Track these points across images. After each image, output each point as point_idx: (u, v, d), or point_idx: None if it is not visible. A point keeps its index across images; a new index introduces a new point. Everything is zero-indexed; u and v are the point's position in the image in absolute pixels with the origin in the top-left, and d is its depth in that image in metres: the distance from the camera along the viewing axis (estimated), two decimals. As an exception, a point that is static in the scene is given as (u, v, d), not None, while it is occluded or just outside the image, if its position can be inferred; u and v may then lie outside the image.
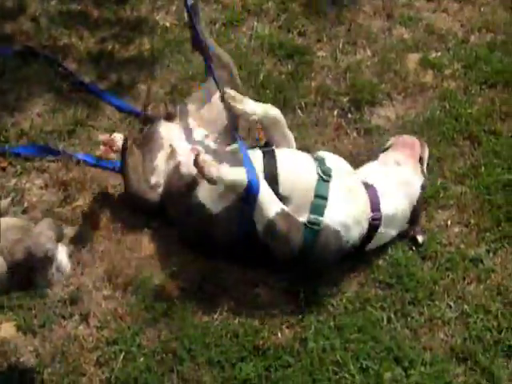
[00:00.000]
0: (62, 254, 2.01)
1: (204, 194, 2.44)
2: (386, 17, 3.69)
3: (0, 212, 2.06)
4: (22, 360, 2.28)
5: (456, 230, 2.70)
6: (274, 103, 3.01)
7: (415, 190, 2.57)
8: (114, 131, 2.90)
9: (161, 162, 2.62)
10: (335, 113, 3.15)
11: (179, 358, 2.29)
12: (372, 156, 2.74)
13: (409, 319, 2.41)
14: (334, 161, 2.50)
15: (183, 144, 2.64)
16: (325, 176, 2.39)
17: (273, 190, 2.35)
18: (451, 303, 2.46)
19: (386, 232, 2.50)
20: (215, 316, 2.41)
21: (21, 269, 1.92)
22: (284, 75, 3.32)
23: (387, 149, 2.70)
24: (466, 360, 2.30)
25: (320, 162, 2.45)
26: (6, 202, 2.20)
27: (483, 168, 2.88)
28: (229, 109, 2.55)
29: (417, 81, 3.32)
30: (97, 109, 3.10)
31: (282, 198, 2.35)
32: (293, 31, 3.59)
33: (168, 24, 3.54)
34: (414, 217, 2.58)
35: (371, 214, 2.43)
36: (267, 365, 2.26)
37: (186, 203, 2.47)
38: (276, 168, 2.40)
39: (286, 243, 2.32)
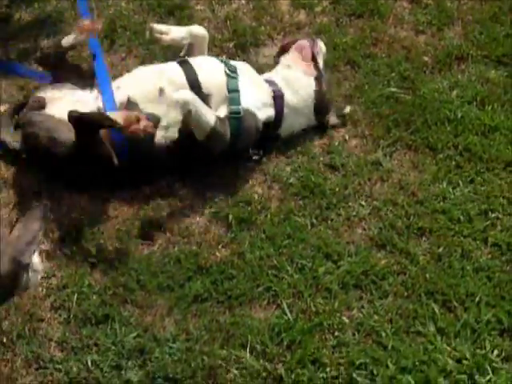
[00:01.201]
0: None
1: None
2: (254, -34, 3.89)
3: None
4: (-23, 319, 2.32)
5: (354, 142, 2.98)
6: (164, 56, 3.19)
7: (309, 86, 2.91)
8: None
9: None
10: (224, 57, 3.33)
11: (130, 289, 2.42)
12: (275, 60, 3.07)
13: (329, 222, 2.66)
14: (236, 62, 2.89)
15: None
16: (232, 73, 2.75)
17: (197, 91, 2.65)
18: (363, 202, 2.73)
19: (294, 118, 2.86)
20: (155, 248, 2.55)
21: (5, 280, 1.91)
22: (168, 30, 3.44)
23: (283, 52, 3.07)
24: (385, 246, 2.58)
25: (225, 62, 2.81)
26: None
27: (366, 86, 3.17)
28: (161, 41, 2.86)
29: (292, 20, 3.56)
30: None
31: (205, 97, 2.66)
32: (168, -10, 3.72)
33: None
34: (319, 108, 2.92)
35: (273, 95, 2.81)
36: (213, 280, 2.44)
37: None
38: (195, 72, 2.72)
39: (223, 141, 2.65)
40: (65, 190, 2.72)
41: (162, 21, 3.51)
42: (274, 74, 2.95)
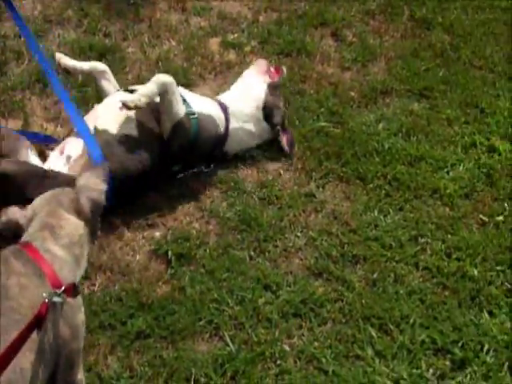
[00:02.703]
0: None
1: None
2: (181, 10, 4.04)
3: None
4: None
5: (287, 175, 3.08)
6: (96, 98, 3.24)
7: (259, 91, 3.11)
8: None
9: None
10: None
11: (72, 329, 2.40)
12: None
13: (267, 253, 2.73)
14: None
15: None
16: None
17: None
18: (298, 233, 2.82)
19: (242, 126, 3.04)
20: (96, 287, 2.56)
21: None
22: (101, 72, 3.49)
23: None
24: (322, 274, 2.67)
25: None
26: None
27: (297, 122, 3.29)
28: (63, 66, 2.99)
29: (222, 60, 3.68)
30: None
31: None
32: (98, 34, 3.80)
33: None
34: (268, 114, 3.10)
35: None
36: (155, 316, 2.47)
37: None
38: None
39: (185, 136, 2.83)
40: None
41: (93, 63, 3.56)
42: (225, 93, 3.18)
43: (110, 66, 3.41)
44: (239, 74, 3.50)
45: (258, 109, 3.10)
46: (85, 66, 3.04)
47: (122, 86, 3.37)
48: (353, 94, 3.48)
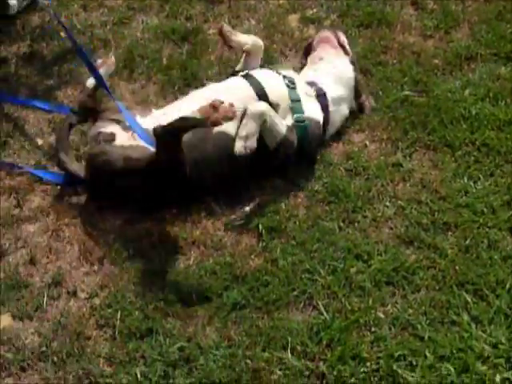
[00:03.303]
0: None
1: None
2: (260, -11, 4.03)
3: None
4: (27, 342, 2.42)
5: (373, 146, 3.07)
6: (184, 80, 3.31)
7: (346, 69, 3.09)
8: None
9: None
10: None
11: (170, 302, 2.50)
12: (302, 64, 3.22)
13: (356, 224, 2.74)
14: (287, 72, 3.03)
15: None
16: (291, 84, 2.92)
17: (266, 101, 2.81)
18: (387, 203, 2.81)
19: (339, 111, 3.02)
20: (191, 262, 2.64)
21: None
22: (184, 55, 3.58)
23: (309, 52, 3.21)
24: (412, 242, 2.66)
25: (282, 74, 2.97)
26: None
27: (381, 92, 3.27)
28: (228, 40, 3.07)
29: (302, 36, 3.68)
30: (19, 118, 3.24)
31: (273, 107, 2.80)
32: (180, 18, 3.86)
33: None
34: (358, 91, 3.09)
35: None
36: (249, 287, 2.53)
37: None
38: (260, 84, 2.87)
39: (291, 147, 2.84)
40: (99, 214, 2.81)
41: (176, 47, 3.65)
42: (311, 73, 3.08)
43: (192, 49, 3.52)
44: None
45: (351, 90, 3.09)
46: (248, 38, 3.13)
47: (205, 68, 3.46)
48: (436, 61, 3.43)
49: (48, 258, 2.70)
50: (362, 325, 2.39)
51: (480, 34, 3.55)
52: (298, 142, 2.85)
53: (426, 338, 2.33)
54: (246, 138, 2.68)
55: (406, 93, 3.22)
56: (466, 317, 2.39)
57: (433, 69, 3.37)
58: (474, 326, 2.36)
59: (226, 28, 3.10)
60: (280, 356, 2.31)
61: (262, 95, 2.84)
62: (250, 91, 2.85)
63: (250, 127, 2.69)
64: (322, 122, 2.93)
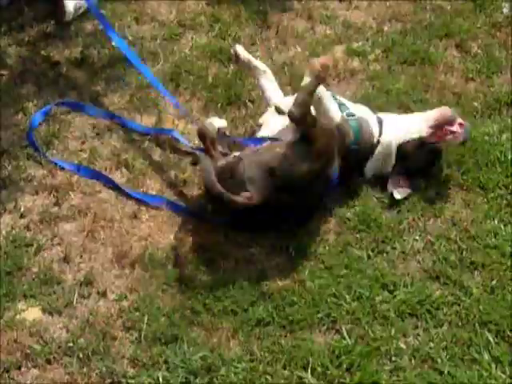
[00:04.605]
0: None
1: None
2: (307, 18, 4.13)
3: None
4: (54, 336, 2.49)
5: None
6: (227, 99, 3.40)
7: (417, 129, 3.01)
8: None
9: None
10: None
11: (196, 311, 2.56)
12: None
13: (385, 254, 2.79)
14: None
15: None
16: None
17: None
18: (417, 237, 2.86)
19: (382, 157, 3.01)
20: (220, 274, 2.69)
21: None
22: (230, 75, 3.66)
23: None
24: (439, 278, 2.70)
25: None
26: None
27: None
28: (238, 57, 3.19)
29: (346, 67, 3.75)
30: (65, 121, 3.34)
31: None
32: (227, 38, 3.95)
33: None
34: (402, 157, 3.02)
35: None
36: (275, 305, 2.58)
37: None
38: None
39: (348, 138, 2.88)
40: (135, 219, 2.89)
41: (223, 66, 3.74)
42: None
43: (238, 70, 3.60)
44: (362, 81, 3.59)
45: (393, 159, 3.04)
46: (257, 63, 3.22)
47: (249, 90, 3.55)
48: (476, 104, 3.48)
49: (81, 257, 2.77)
50: (382, 353, 2.43)
51: (521, 81, 3.60)
52: (352, 136, 2.87)
53: (446, 372, 2.37)
54: (299, 105, 2.67)
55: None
56: (486, 356, 2.41)
57: (472, 111, 3.43)
58: (494, 365, 2.38)
59: (238, 47, 3.22)
60: (300, 375, 2.36)
61: None
62: None
63: (303, 98, 2.69)
64: (373, 126, 2.96)
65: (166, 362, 2.41)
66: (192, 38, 3.94)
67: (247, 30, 4.00)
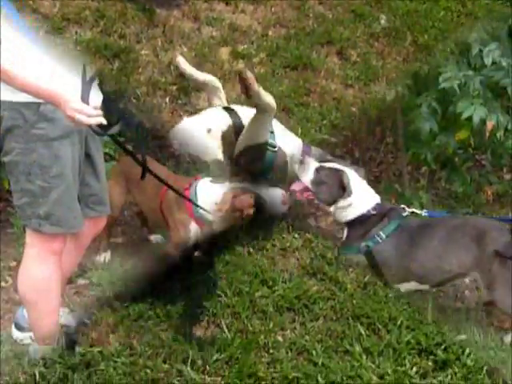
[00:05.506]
0: None
1: None
2: (194, 19, 4.18)
3: None
4: None
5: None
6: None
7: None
8: None
9: None
10: (167, 100, 3.55)
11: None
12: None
13: (265, 251, 2.87)
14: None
15: None
16: None
17: None
18: (296, 235, 2.95)
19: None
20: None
21: None
22: (115, 71, 3.65)
23: None
24: (316, 274, 2.80)
25: None
26: None
27: (300, 131, 3.44)
28: (181, 70, 3.15)
29: (232, 69, 3.82)
30: None
31: None
32: (113, 35, 3.93)
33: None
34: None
35: None
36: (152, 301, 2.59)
37: None
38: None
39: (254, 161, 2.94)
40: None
41: (108, 63, 3.71)
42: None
43: (123, 66, 3.59)
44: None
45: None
46: (201, 76, 3.15)
47: (134, 87, 3.55)
48: (354, 109, 3.63)
49: None
50: (260, 346, 2.49)
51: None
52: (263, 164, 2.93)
53: (320, 363, 2.45)
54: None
55: (325, 137, 3.39)
56: (358, 347, 2.52)
57: (350, 115, 3.57)
58: (364, 356, 2.49)
59: (180, 59, 3.19)
60: (180, 368, 2.37)
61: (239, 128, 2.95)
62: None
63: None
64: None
65: (42, 357, 2.36)
66: (76, 33, 3.88)
67: (133, 28, 4.00)
